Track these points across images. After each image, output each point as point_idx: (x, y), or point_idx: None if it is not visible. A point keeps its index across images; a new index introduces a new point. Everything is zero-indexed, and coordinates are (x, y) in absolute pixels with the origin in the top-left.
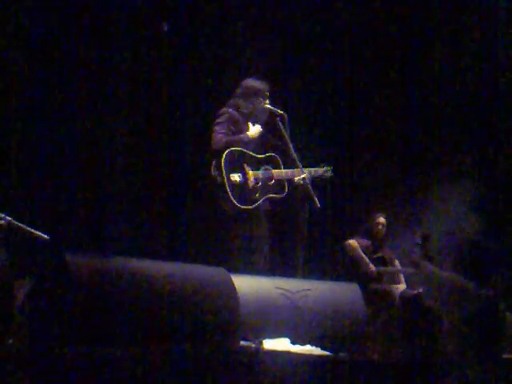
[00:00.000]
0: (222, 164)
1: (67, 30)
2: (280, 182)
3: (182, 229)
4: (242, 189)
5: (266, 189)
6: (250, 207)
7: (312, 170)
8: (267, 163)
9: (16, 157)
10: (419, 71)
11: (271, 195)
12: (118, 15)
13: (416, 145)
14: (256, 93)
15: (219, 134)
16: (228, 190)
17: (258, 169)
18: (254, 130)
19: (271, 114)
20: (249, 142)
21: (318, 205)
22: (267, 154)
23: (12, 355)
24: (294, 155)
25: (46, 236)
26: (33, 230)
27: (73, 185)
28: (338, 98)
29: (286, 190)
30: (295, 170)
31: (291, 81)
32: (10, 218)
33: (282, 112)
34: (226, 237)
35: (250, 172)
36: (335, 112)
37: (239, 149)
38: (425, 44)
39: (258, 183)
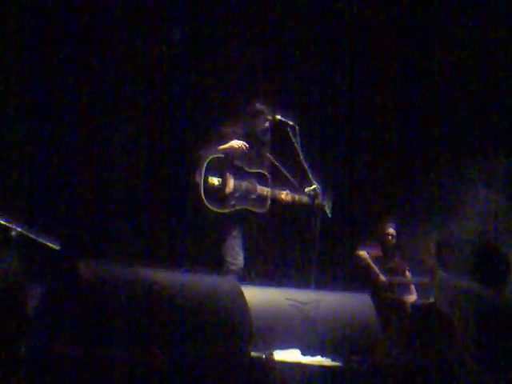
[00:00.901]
0: (203, 166)
1: (67, 29)
2: (262, 198)
3: (179, 230)
4: (217, 193)
5: (244, 200)
6: (221, 211)
7: (297, 197)
8: (256, 178)
9: (25, 167)
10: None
11: (249, 207)
12: (117, 15)
13: (433, 152)
14: (258, 115)
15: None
16: (201, 190)
17: (242, 180)
18: (226, 145)
19: (282, 125)
20: (240, 155)
21: (330, 215)
22: (258, 171)
23: (22, 360)
24: (306, 166)
25: (55, 246)
26: (43, 241)
27: (79, 191)
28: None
29: (267, 207)
30: (282, 191)
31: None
32: (20, 229)
33: (292, 123)
34: (206, 236)
35: (232, 180)
36: (343, 120)
37: (224, 157)
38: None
39: (236, 192)
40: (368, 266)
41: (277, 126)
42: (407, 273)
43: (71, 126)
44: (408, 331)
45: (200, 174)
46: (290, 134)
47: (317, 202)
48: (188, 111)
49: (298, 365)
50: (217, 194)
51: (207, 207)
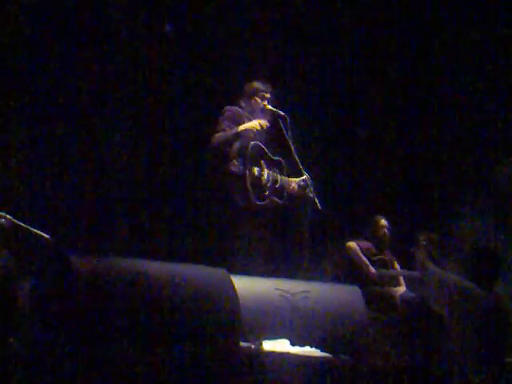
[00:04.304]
0: (248, 155)
1: (66, 29)
2: (282, 188)
3: (182, 227)
4: (257, 184)
5: (271, 190)
6: (260, 203)
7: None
8: (276, 166)
9: (17, 156)
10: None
11: (274, 198)
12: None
13: (420, 145)
14: (255, 93)
15: (217, 131)
16: (247, 182)
17: (269, 169)
18: (248, 124)
19: (273, 115)
20: (253, 135)
21: (319, 206)
22: (277, 158)
23: (12, 355)
24: (296, 157)
25: (47, 236)
26: (34, 230)
27: (73, 184)
28: (343, 96)
29: (285, 197)
30: (290, 179)
31: (292, 81)
32: (10, 217)
33: (283, 114)
34: (230, 234)
35: (266, 169)
36: (338, 112)
37: (260, 144)
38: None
39: (268, 182)
40: (358, 258)
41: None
42: (397, 265)
43: (70, 118)
44: (397, 324)
45: (244, 164)
46: (281, 124)
47: (307, 193)
48: (189, 106)
49: (287, 355)
50: (256, 186)
51: (250, 201)
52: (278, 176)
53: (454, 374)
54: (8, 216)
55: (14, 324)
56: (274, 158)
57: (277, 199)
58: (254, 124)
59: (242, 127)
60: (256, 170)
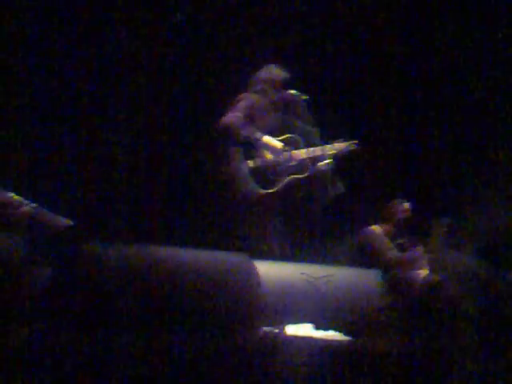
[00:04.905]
0: (238, 151)
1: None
2: (301, 162)
3: (197, 215)
4: (261, 172)
5: (286, 170)
6: (270, 190)
7: (336, 145)
8: (287, 145)
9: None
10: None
11: (293, 176)
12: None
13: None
14: (281, 80)
15: (232, 115)
16: (247, 177)
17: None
18: (270, 140)
19: (294, 98)
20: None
21: (343, 189)
22: (286, 136)
23: (25, 343)
24: (318, 138)
25: (70, 222)
26: (57, 217)
27: (97, 170)
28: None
29: (309, 170)
30: (317, 148)
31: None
32: (35, 205)
33: (304, 96)
34: (243, 222)
35: (268, 155)
36: (356, 90)
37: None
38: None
39: (277, 166)
40: (379, 241)
41: (289, 100)
42: (419, 248)
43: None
44: (416, 308)
45: (238, 159)
46: (302, 107)
47: (329, 175)
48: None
49: (310, 339)
50: (261, 175)
51: (256, 191)
52: (293, 152)
53: (464, 360)
54: (32, 203)
55: (33, 311)
56: (283, 137)
57: (297, 175)
58: (278, 144)
59: (265, 138)
60: (256, 160)
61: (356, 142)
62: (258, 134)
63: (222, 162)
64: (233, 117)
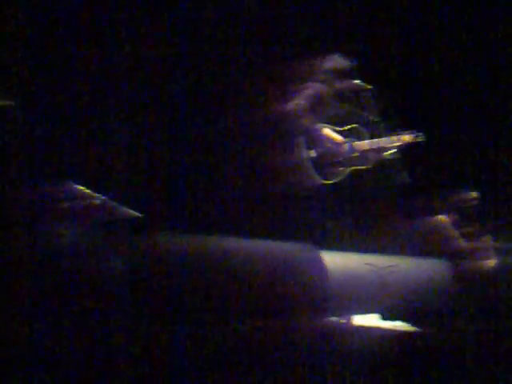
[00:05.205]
0: (301, 141)
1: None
2: (364, 153)
3: (261, 207)
4: (322, 163)
5: (348, 161)
6: (332, 181)
7: (401, 137)
8: (350, 136)
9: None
10: None
11: (355, 167)
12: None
13: None
14: (345, 70)
15: (296, 103)
16: (309, 167)
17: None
18: (331, 133)
19: (358, 88)
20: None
21: (408, 179)
22: (349, 126)
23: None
24: (382, 129)
25: (138, 214)
26: (126, 209)
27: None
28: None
29: (372, 161)
30: (381, 139)
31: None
32: (104, 198)
33: (369, 86)
34: (306, 214)
35: (328, 144)
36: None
37: (319, 123)
38: None
39: (338, 157)
40: (446, 231)
41: (353, 90)
42: (487, 237)
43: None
44: (486, 298)
45: (300, 149)
46: (367, 97)
47: (394, 165)
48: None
49: (377, 329)
50: (322, 165)
51: (318, 182)
52: (355, 143)
53: None
54: (102, 197)
55: (105, 303)
56: (344, 128)
57: (359, 167)
58: (337, 137)
59: (326, 130)
60: (318, 150)
61: (421, 134)
62: (318, 125)
63: (283, 150)
64: (296, 105)
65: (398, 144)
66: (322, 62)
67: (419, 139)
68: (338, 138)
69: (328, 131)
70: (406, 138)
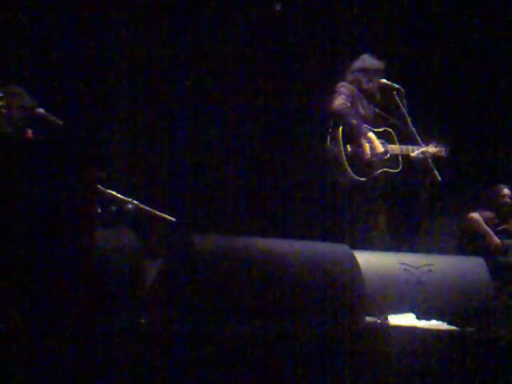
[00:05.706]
0: (340, 135)
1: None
2: (395, 157)
3: (294, 206)
4: (358, 161)
5: (381, 163)
6: (365, 179)
7: (430, 149)
8: (382, 138)
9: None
10: None
11: (386, 169)
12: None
13: None
14: (375, 70)
15: (342, 100)
16: (344, 161)
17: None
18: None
19: (388, 89)
20: (362, 119)
21: (439, 178)
22: (383, 129)
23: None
24: (413, 129)
25: (172, 218)
26: (160, 213)
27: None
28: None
29: (401, 166)
30: (410, 146)
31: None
32: (137, 202)
33: (398, 87)
34: (341, 211)
35: (367, 145)
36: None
37: (355, 122)
38: None
39: (373, 156)
40: (481, 229)
41: (382, 90)
42: None
43: None
44: None
45: (337, 144)
46: (396, 97)
47: (426, 165)
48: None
49: (413, 329)
50: (357, 163)
51: (352, 179)
52: (388, 146)
53: None
54: (134, 201)
55: (143, 304)
56: (379, 129)
57: (389, 170)
58: (379, 148)
59: (370, 135)
60: (354, 147)
61: (450, 147)
62: (364, 128)
63: (325, 144)
64: (343, 103)
65: (426, 155)
66: (353, 62)
67: (443, 154)
68: (380, 149)
69: (372, 135)
70: (434, 150)
